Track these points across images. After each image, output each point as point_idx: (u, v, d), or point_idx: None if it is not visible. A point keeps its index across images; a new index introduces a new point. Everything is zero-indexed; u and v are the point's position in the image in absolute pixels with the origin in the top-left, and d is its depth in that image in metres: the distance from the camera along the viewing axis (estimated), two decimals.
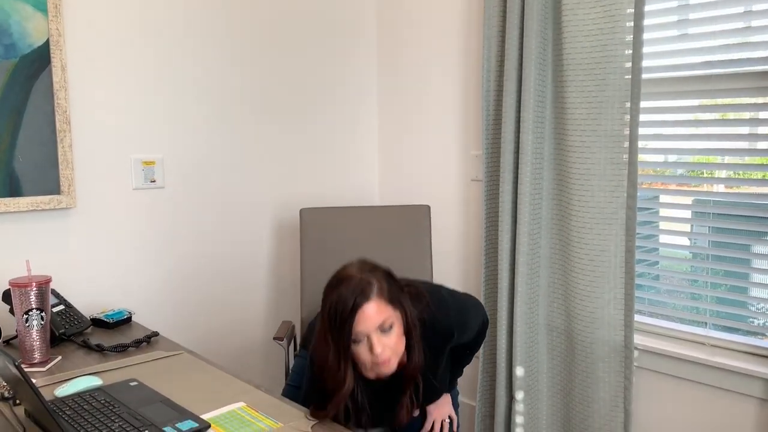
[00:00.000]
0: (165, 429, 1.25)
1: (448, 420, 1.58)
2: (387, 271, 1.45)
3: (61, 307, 1.92)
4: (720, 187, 2.19)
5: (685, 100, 2.17)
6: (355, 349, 1.38)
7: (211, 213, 2.45)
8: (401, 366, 1.45)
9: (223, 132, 2.46)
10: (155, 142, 2.30)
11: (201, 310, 2.44)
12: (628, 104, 2.09)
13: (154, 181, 2.31)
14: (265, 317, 2.65)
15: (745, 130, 2.11)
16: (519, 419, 2.39)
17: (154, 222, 2.31)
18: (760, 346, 2.03)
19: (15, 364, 1.04)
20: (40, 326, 1.66)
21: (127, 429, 1.25)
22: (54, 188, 2.07)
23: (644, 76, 2.12)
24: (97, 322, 2.00)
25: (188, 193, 2.39)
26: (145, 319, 2.29)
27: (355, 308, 1.34)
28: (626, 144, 2.11)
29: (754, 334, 2.10)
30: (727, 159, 2.18)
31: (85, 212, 2.15)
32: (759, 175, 2.06)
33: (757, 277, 2.11)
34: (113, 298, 2.23)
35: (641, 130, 2.12)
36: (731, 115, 2.13)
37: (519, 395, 2.38)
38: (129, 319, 2.05)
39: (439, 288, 1.67)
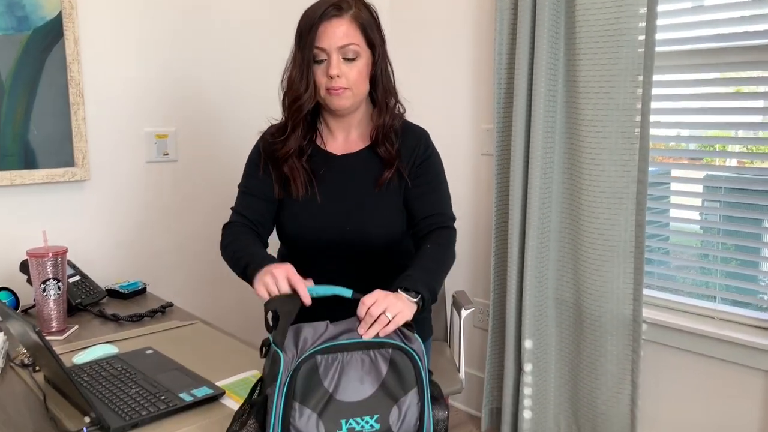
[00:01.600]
0: (181, 395, 1.28)
1: (387, 316, 1.09)
2: (373, 9, 1.38)
3: (77, 277, 1.95)
4: (732, 162, 2.18)
5: (698, 73, 2.15)
6: (315, 69, 1.33)
7: (224, 186, 2.47)
8: (375, 129, 1.40)
9: (234, 103, 2.47)
10: (168, 116, 2.31)
11: (214, 281, 2.48)
12: (640, 77, 2.08)
13: (167, 155, 2.33)
14: None
15: (759, 103, 2.09)
16: (527, 391, 2.42)
17: (167, 195, 2.33)
18: None
19: (35, 331, 1.07)
20: (57, 296, 1.69)
21: (144, 395, 1.28)
22: (68, 161, 2.09)
23: (657, 49, 2.10)
24: (112, 293, 2.03)
25: (200, 166, 2.41)
26: (159, 290, 2.32)
27: (322, 17, 1.29)
28: (638, 118, 2.10)
29: (764, 308, 2.10)
30: (741, 133, 2.17)
31: (98, 185, 2.18)
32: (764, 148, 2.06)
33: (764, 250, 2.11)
34: (127, 269, 2.26)
35: (653, 104, 2.11)
36: (745, 89, 2.11)
37: (527, 367, 2.41)
38: (144, 290, 2.08)
39: None
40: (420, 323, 1.35)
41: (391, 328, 1.09)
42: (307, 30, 1.31)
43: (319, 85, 1.34)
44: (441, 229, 1.41)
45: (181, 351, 1.57)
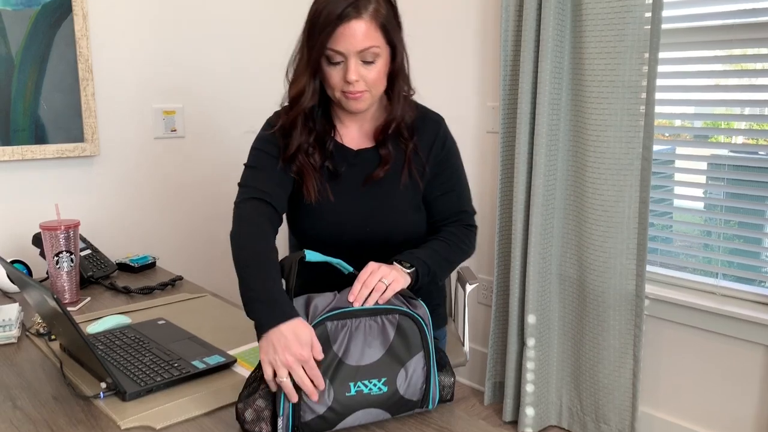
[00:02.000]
0: (194, 362, 1.32)
1: (384, 282, 1.11)
2: (393, 2, 1.26)
3: (88, 251, 1.98)
4: (739, 139, 2.19)
5: (703, 50, 2.15)
6: (328, 69, 1.23)
7: (231, 161, 2.49)
8: (384, 124, 1.32)
9: (241, 80, 2.48)
10: (175, 92, 2.33)
11: (221, 255, 2.51)
12: (646, 54, 2.08)
13: (174, 131, 2.35)
14: None
15: (765, 80, 2.10)
16: (530, 365, 2.46)
17: (175, 171, 2.36)
18: None
19: (54, 297, 1.10)
20: (70, 268, 1.72)
21: (158, 362, 1.31)
22: (78, 136, 2.12)
23: (663, 26, 2.11)
24: (122, 267, 2.06)
25: (208, 142, 2.43)
26: (168, 264, 2.36)
27: (341, 18, 1.16)
28: (643, 95, 2.11)
29: (765, 284, 2.13)
30: (747, 110, 2.18)
31: (108, 160, 2.20)
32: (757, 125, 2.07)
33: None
34: (136, 243, 2.29)
35: (659, 82, 2.12)
36: (750, 66, 2.11)
37: (530, 342, 2.44)
38: (153, 264, 2.11)
39: None
40: (433, 312, 1.37)
41: (389, 294, 1.12)
42: (321, 29, 1.18)
43: (334, 86, 1.25)
44: (461, 227, 1.39)
45: (192, 322, 1.61)
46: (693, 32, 2.15)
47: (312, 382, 1.02)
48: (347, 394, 1.05)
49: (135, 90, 2.24)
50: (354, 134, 1.37)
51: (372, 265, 1.15)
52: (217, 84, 2.42)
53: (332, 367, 1.05)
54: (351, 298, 1.10)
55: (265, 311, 1.07)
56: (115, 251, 2.22)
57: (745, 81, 2.11)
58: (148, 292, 1.86)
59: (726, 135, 2.20)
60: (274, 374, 1.02)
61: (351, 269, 1.19)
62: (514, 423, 2.54)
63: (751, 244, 2.15)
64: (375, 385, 1.06)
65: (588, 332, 2.35)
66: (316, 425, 1.04)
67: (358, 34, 1.17)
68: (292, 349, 1.01)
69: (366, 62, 1.21)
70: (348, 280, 1.15)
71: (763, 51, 2.04)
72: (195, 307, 1.73)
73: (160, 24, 2.26)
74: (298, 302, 1.11)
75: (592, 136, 2.21)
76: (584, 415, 2.43)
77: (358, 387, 1.06)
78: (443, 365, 1.15)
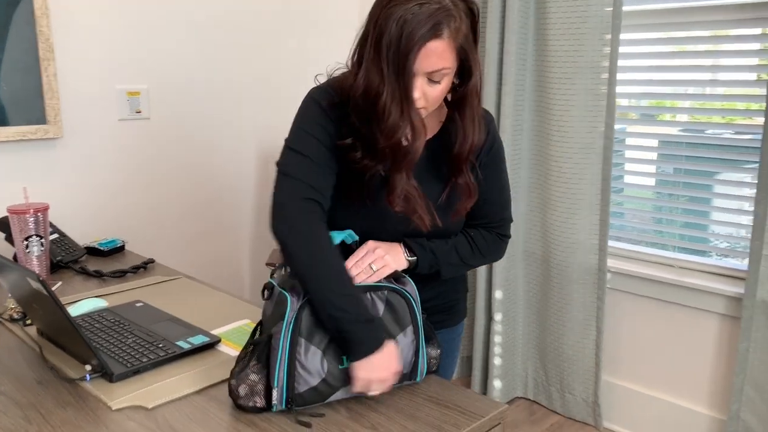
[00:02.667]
0: (178, 343, 1.32)
1: (372, 268, 1.14)
2: (476, 10, 1.12)
3: (56, 235, 1.94)
4: (684, 118, 2.29)
5: (650, 33, 2.25)
6: None
7: (197, 143, 2.47)
8: (460, 148, 1.20)
9: (207, 61, 2.45)
10: (140, 73, 2.28)
11: (190, 239, 2.49)
12: (608, 36, 2.15)
13: (139, 112, 2.30)
14: (255, 245, 2.71)
15: (708, 62, 2.20)
16: (497, 339, 2.53)
17: (141, 153, 2.32)
18: (723, 266, 2.18)
19: (40, 280, 1.09)
20: (41, 252, 1.69)
21: (142, 343, 1.31)
22: (40, 118, 2.06)
23: (625, 8, 2.18)
24: (91, 251, 2.03)
25: (174, 124, 2.39)
26: (136, 247, 2.33)
27: (423, 39, 1.04)
28: (604, 75, 2.18)
29: (717, 255, 2.24)
30: (691, 90, 2.27)
31: (71, 143, 2.15)
32: (718, 105, 2.18)
33: (719, 202, 2.24)
34: (103, 227, 2.26)
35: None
36: (692, 48, 2.20)
37: (497, 317, 2.51)
38: (122, 248, 2.09)
39: None
40: (454, 306, 1.41)
41: (374, 278, 1.15)
42: (404, 54, 1.05)
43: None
44: (495, 234, 1.34)
45: (170, 304, 1.60)
46: (643, 15, 2.23)
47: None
48: (340, 367, 1.08)
49: (98, 70, 2.18)
50: None
51: (368, 245, 1.18)
52: (182, 65, 2.39)
53: (326, 339, 1.08)
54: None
55: (367, 334, 1.07)
56: (81, 235, 2.18)
57: (689, 62, 2.21)
58: (120, 275, 1.84)
59: (677, 113, 2.29)
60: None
61: (356, 238, 1.21)
62: (482, 395, 2.62)
63: (702, 218, 2.26)
64: None
65: (552, 306, 2.43)
66: (309, 396, 1.07)
67: (433, 56, 1.06)
68: (391, 369, 1.08)
69: (432, 81, 1.10)
70: (352, 250, 1.18)
71: (705, 33, 2.14)
72: (171, 290, 1.72)
73: (123, 2, 2.21)
74: (294, 279, 1.13)
75: (556, 116, 2.28)
76: (549, 385, 2.52)
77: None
78: (430, 338, 1.19)
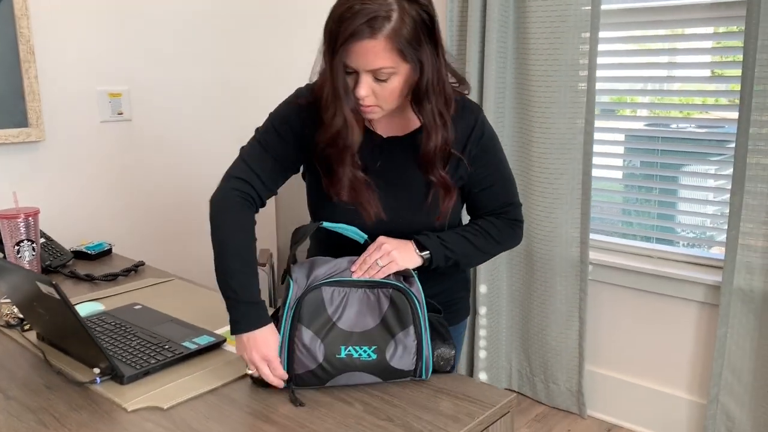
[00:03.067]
0: (184, 344, 1.33)
1: (378, 264, 1.17)
2: (426, 10, 1.13)
3: (42, 240, 1.92)
4: (644, 112, 2.36)
5: (611, 32, 2.34)
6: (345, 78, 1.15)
7: (179, 144, 2.45)
8: (423, 149, 1.22)
9: (188, 62, 2.44)
10: (121, 74, 2.26)
11: (174, 240, 2.48)
12: (587, 34, 2.21)
13: (121, 114, 2.28)
14: None
15: (664, 59, 2.29)
16: (482, 332, 2.58)
17: (123, 155, 2.30)
18: (701, 256, 2.26)
19: (52, 283, 1.08)
20: (32, 257, 1.67)
21: (147, 345, 1.31)
22: (22, 121, 2.03)
23: (586, 8, 2.23)
24: (78, 254, 2.01)
25: (155, 125, 2.38)
26: (121, 250, 2.31)
27: (353, 36, 1.08)
28: (583, 73, 2.24)
29: (687, 245, 2.33)
30: (650, 86, 2.35)
31: (54, 145, 2.12)
32: (676, 100, 2.28)
33: (686, 194, 2.33)
34: (89, 230, 2.23)
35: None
36: (650, 46, 2.28)
37: (482, 310, 2.56)
38: (110, 251, 2.07)
39: None
40: (456, 304, 1.42)
41: (382, 274, 1.17)
42: (336, 45, 1.10)
43: (348, 92, 1.16)
44: (504, 219, 1.35)
45: (167, 306, 1.60)
46: (605, 15, 2.31)
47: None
48: (337, 356, 1.12)
49: (79, 72, 2.16)
50: (383, 120, 1.28)
51: (379, 241, 1.20)
52: (163, 66, 2.37)
53: (325, 328, 1.13)
54: (353, 269, 1.17)
55: (243, 315, 1.17)
56: (66, 239, 2.15)
57: (649, 59, 2.30)
58: (112, 278, 1.82)
59: (640, 108, 2.37)
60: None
61: (365, 237, 1.23)
62: (491, 386, 2.67)
63: (673, 209, 2.34)
64: (365, 351, 1.13)
65: (536, 298, 2.49)
66: (308, 379, 1.13)
67: (370, 55, 1.09)
68: (261, 351, 1.14)
69: (378, 79, 1.13)
70: (363, 248, 1.22)
71: (662, 32, 2.24)
72: (165, 291, 1.72)
73: (103, 4, 2.18)
74: (303, 267, 1.17)
75: (537, 112, 2.33)
76: (534, 376, 2.57)
77: (349, 351, 1.13)
78: (445, 339, 1.21)
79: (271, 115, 1.32)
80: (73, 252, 2.01)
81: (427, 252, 1.24)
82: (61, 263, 1.90)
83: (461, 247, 1.28)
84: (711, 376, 2.14)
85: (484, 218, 1.34)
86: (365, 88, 1.13)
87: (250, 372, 1.16)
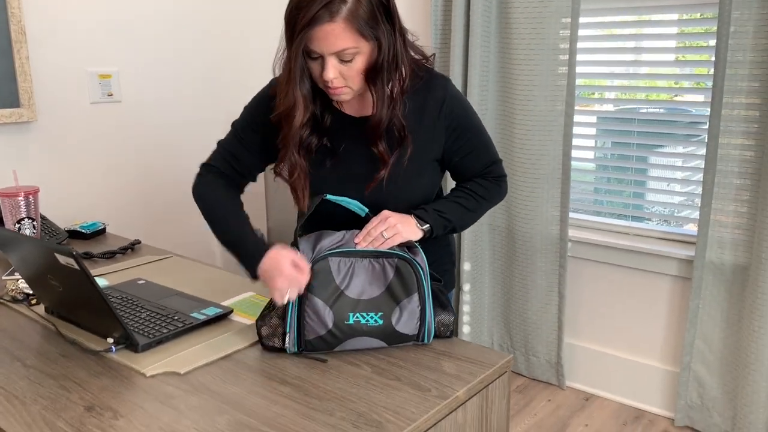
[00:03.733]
0: (193, 314, 1.38)
1: (383, 236, 1.23)
2: None
3: None
4: (611, 95, 2.46)
5: (585, 17, 2.43)
6: (310, 63, 1.21)
7: (168, 125, 2.48)
8: (369, 118, 1.27)
9: (178, 43, 2.46)
10: (111, 55, 2.28)
11: (168, 220, 2.51)
12: (567, 19, 2.29)
13: (111, 95, 2.30)
14: None
15: (630, 44, 2.40)
16: (465, 308, 2.67)
17: (113, 136, 2.32)
18: (675, 232, 2.38)
19: (73, 253, 1.12)
20: (33, 234, 1.70)
21: (157, 317, 1.36)
22: (14, 101, 2.04)
23: None
24: (73, 234, 2.03)
25: (145, 107, 2.40)
26: (117, 229, 2.33)
27: (312, 22, 1.13)
28: (564, 57, 2.32)
29: (669, 223, 2.44)
30: (617, 70, 2.45)
31: (46, 126, 2.13)
32: (641, 83, 2.39)
33: (665, 173, 2.44)
34: (80, 210, 2.25)
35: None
36: (617, 32, 2.38)
37: (466, 287, 2.65)
38: (104, 230, 2.09)
39: None
40: (443, 275, 1.47)
41: (387, 245, 1.24)
42: (297, 33, 1.16)
43: (315, 77, 1.23)
44: (489, 178, 1.42)
45: (169, 281, 1.64)
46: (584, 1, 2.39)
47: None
48: (346, 322, 1.19)
49: (70, 53, 2.17)
50: (354, 103, 1.33)
51: (382, 215, 1.27)
52: (153, 47, 2.39)
53: (334, 296, 1.20)
54: (357, 240, 1.24)
55: (251, 252, 1.27)
56: (61, 219, 2.18)
57: (618, 44, 2.40)
58: (110, 256, 1.86)
59: (613, 92, 2.47)
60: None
61: (366, 210, 1.30)
62: (489, 348, 2.76)
63: (646, 188, 2.45)
64: (372, 317, 1.20)
65: (517, 275, 2.58)
66: (317, 344, 1.20)
67: (331, 37, 1.14)
68: (282, 260, 1.21)
69: (343, 60, 1.18)
70: (364, 221, 1.28)
71: (629, 18, 2.34)
72: (165, 268, 1.76)
73: None
74: (309, 240, 1.24)
75: (520, 95, 2.41)
76: (514, 349, 2.68)
77: (357, 317, 1.20)
78: (445, 306, 1.28)
79: (244, 107, 1.44)
80: (67, 231, 2.04)
81: (428, 225, 1.32)
82: (56, 242, 1.92)
83: (456, 213, 1.37)
84: (683, 345, 2.26)
85: (471, 181, 1.42)
86: (332, 71, 1.19)
87: (287, 300, 1.19)
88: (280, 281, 1.19)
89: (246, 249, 1.29)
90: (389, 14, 1.21)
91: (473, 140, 1.39)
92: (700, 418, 2.28)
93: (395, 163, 1.32)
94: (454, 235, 1.57)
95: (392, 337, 1.22)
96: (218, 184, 1.40)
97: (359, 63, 1.20)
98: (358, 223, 1.29)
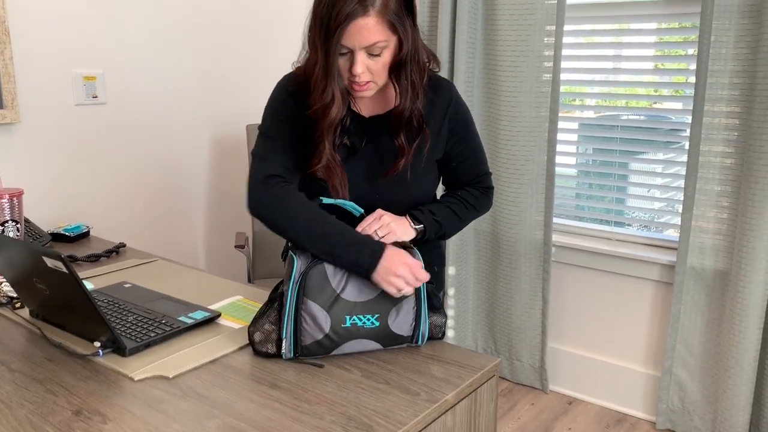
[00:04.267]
0: (180, 318, 1.37)
1: (378, 234, 1.25)
2: None
3: None
4: (591, 102, 2.50)
5: (569, 25, 2.46)
6: (338, 59, 1.23)
7: (153, 128, 2.46)
8: (393, 110, 1.31)
9: (162, 46, 2.45)
10: (95, 57, 2.26)
11: (153, 223, 2.49)
12: (552, 27, 2.32)
13: (95, 97, 2.28)
14: (209, 228, 2.73)
15: (610, 52, 2.44)
16: (450, 312, 2.68)
17: (98, 138, 2.30)
18: (657, 238, 2.41)
19: (60, 258, 1.12)
20: (16, 237, 1.68)
21: (144, 321, 1.35)
22: None
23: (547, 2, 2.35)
24: (56, 237, 2.02)
25: (130, 109, 2.38)
26: (99, 233, 2.31)
27: (349, 17, 1.16)
28: (548, 64, 2.35)
29: (651, 228, 2.48)
30: (597, 77, 2.48)
31: (29, 127, 2.11)
32: (622, 90, 2.42)
33: (647, 179, 2.48)
34: (64, 213, 2.23)
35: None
36: (597, 40, 2.42)
37: (450, 291, 2.66)
38: (87, 233, 2.08)
39: None
40: (435, 277, 1.48)
41: None
42: (331, 28, 1.18)
43: (343, 73, 1.24)
44: (480, 188, 1.46)
45: (155, 285, 1.63)
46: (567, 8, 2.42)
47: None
48: (343, 326, 1.20)
49: (54, 54, 2.15)
50: (367, 102, 1.37)
51: (376, 214, 1.28)
52: (138, 49, 2.37)
53: (330, 300, 1.20)
54: None
55: (359, 252, 1.19)
56: (45, 222, 2.15)
57: (598, 52, 2.44)
58: (94, 259, 1.84)
59: (594, 99, 2.51)
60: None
61: (362, 211, 1.30)
62: (477, 352, 2.77)
63: (628, 194, 2.49)
64: (368, 319, 1.21)
65: (501, 279, 2.60)
66: (314, 349, 1.20)
67: (365, 31, 1.17)
68: (403, 263, 1.19)
69: (372, 54, 1.21)
70: (359, 221, 1.29)
71: (609, 26, 2.38)
72: (151, 271, 1.75)
73: None
74: None
75: (505, 101, 2.43)
76: (499, 354, 2.69)
77: (353, 320, 1.20)
78: (437, 307, 1.30)
79: (266, 109, 1.38)
80: (51, 234, 2.02)
81: (421, 225, 1.33)
82: (40, 245, 1.90)
83: (448, 218, 1.39)
84: (665, 349, 2.29)
85: (462, 189, 1.45)
86: (361, 65, 1.21)
87: (404, 292, 1.20)
88: (402, 269, 1.18)
89: (364, 245, 1.20)
90: (410, 7, 1.24)
91: (471, 147, 1.43)
92: (681, 421, 2.32)
93: (415, 155, 1.34)
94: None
95: (388, 339, 1.23)
96: (284, 191, 1.28)
97: (386, 56, 1.23)
98: (354, 223, 1.30)
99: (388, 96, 1.35)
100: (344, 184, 1.32)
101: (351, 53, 1.21)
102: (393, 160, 1.35)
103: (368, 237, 1.23)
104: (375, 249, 1.20)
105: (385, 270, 1.18)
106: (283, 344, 1.19)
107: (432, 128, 1.36)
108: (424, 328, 1.26)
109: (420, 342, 1.27)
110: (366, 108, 1.38)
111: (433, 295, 1.29)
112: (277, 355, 1.21)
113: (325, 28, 1.19)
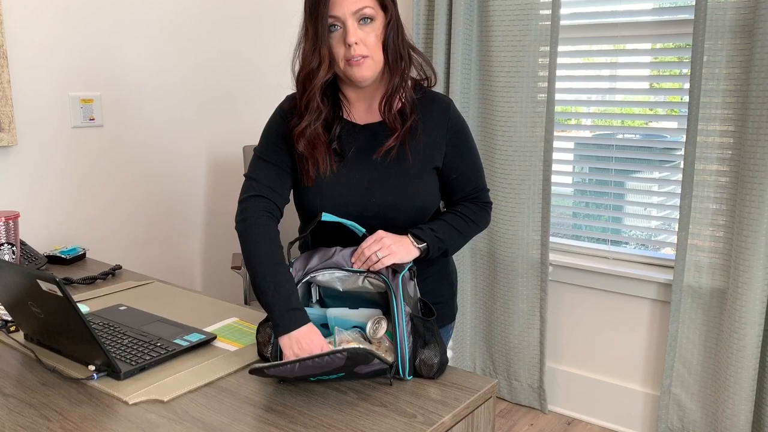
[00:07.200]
0: (176, 341, 1.37)
1: (377, 256, 1.25)
2: None
3: None
4: (588, 121, 2.52)
5: (563, 46, 2.49)
6: (331, 39, 1.28)
7: (150, 150, 2.47)
8: (385, 95, 1.34)
9: (158, 68, 2.46)
10: (92, 80, 2.27)
11: (149, 246, 2.49)
12: (546, 48, 2.34)
13: (93, 119, 2.29)
14: (206, 250, 2.72)
15: (605, 72, 2.46)
16: None
17: (95, 160, 2.31)
18: (653, 256, 2.41)
19: (56, 280, 1.11)
20: (12, 260, 1.68)
21: (139, 344, 1.35)
22: None
23: (542, 23, 2.37)
24: (52, 259, 2.01)
25: (126, 132, 2.39)
26: (95, 255, 2.31)
27: None
28: (543, 84, 2.37)
29: (647, 247, 2.48)
30: (594, 97, 2.50)
31: (26, 150, 2.12)
32: (617, 110, 2.44)
33: (643, 198, 2.48)
34: (60, 236, 2.23)
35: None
36: (594, 60, 2.44)
37: None
38: (83, 256, 2.07)
39: None
40: (442, 305, 1.45)
41: (378, 266, 1.25)
42: (317, 2, 1.25)
43: (338, 56, 1.28)
44: (478, 203, 1.46)
45: (151, 307, 1.63)
46: (563, 29, 2.45)
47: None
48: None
49: (51, 78, 2.16)
50: (362, 111, 1.39)
51: (376, 235, 1.27)
52: (134, 71, 2.39)
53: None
54: (352, 259, 1.27)
55: (282, 319, 1.21)
56: (41, 244, 2.15)
57: (594, 72, 2.46)
58: (90, 281, 1.84)
59: (591, 118, 2.52)
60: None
61: (363, 231, 1.30)
62: (474, 374, 2.75)
63: (625, 213, 2.49)
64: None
65: (499, 299, 2.60)
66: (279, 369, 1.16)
67: None
68: (303, 347, 1.19)
69: (363, 22, 1.26)
70: (361, 241, 1.29)
71: (605, 47, 2.40)
72: (146, 294, 1.74)
73: (75, 9, 2.20)
74: (301, 258, 1.28)
75: (500, 122, 2.45)
76: (497, 374, 2.68)
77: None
78: (428, 343, 1.22)
79: (263, 131, 1.42)
80: (47, 257, 2.01)
81: (424, 243, 1.32)
82: (36, 267, 1.90)
83: (450, 235, 1.37)
84: (663, 369, 2.28)
85: (460, 204, 1.44)
86: (353, 34, 1.25)
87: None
88: (298, 351, 1.19)
89: (281, 316, 1.22)
90: None
91: (469, 161, 1.42)
92: None
93: (411, 148, 1.34)
94: (455, 263, 1.58)
95: (359, 356, 1.13)
96: (260, 222, 1.31)
97: (377, 26, 1.27)
98: (356, 243, 1.31)
99: (381, 100, 1.37)
100: (326, 158, 1.33)
101: (342, 28, 1.25)
102: (386, 161, 1.35)
103: (295, 309, 1.22)
104: (300, 318, 1.21)
105: (288, 345, 1.20)
106: (268, 348, 1.25)
107: (429, 130, 1.36)
108: (404, 359, 1.20)
109: (401, 374, 1.21)
110: (360, 116, 1.39)
111: (425, 329, 1.22)
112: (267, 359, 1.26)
113: (314, 4, 1.25)
